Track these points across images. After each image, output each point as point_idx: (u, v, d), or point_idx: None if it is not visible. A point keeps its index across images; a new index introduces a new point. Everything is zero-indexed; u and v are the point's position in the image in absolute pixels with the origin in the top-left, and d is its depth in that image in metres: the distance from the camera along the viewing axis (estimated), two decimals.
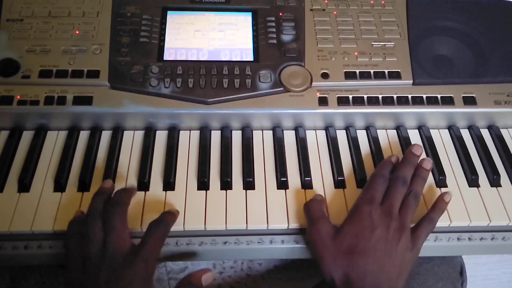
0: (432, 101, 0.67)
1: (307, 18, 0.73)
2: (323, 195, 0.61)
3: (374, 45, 0.71)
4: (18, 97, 0.63)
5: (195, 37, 0.71)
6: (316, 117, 0.67)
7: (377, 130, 0.69)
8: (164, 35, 0.70)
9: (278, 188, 0.62)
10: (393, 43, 0.71)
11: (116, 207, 0.54)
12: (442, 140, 0.69)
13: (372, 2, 0.75)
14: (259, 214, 0.59)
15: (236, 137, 0.67)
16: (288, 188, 0.62)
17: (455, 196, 0.62)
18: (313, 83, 0.67)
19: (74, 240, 0.54)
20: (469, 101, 0.68)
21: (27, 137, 0.65)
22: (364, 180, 0.61)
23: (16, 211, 0.57)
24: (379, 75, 0.68)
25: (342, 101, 0.66)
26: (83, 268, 0.51)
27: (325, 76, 0.68)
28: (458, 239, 0.59)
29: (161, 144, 0.65)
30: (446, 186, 0.63)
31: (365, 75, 0.68)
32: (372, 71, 0.68)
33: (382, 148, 0.66)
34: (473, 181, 0.63)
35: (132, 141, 0.66)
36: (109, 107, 0.64)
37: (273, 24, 0.71)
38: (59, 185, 0.60)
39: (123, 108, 0.64)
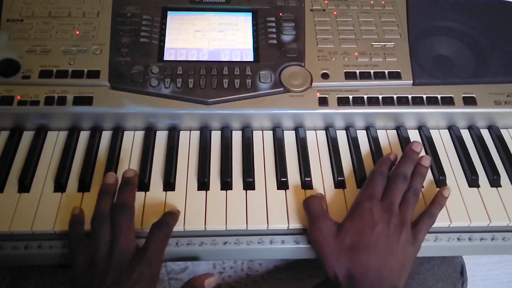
0: (432, 101, 0.67)
1: (307, 18, 0.73)
2: (324, 195, 0.61)
3: (374, 45, 0.71)
4: (18, 97, 0.63)
5: (195, 37, 0.71)
6: (316, 117, 0.67)
7: (377, 130, 0.69)
8: (164, 35, 0.70)
9: (278, 188, 0.62)
10: (393, 43, 0.71)
11: (124, 212, 0.54)
12: (442, 140, 0.69)
13: (372, 2, 0.75)
14: (259, 214, 0.59)
15: (236, 137, 0.67)
16: (288, 188, 0.62)
17: (455, 196, 0.62)
18: (313, 83, 0.67)
19: (77, 241, 0.54)
20: (469, 101, 0.68)
21: (27, 137, 0.65)
22: (364, 180, 0.61)
23: (16, 211, 0.57)
24: (379, 75, 0.68)
25: (342, 101, 0.66)
26: (88, 269, 0.51)
27: (325, 76, 0.68)
28: (458, 239, 0.59)
29: (161, 145, 0.65)
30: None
31: (365, 75, 0.68)
32: (372, 71, 0.68)
33: (382, 148, 0.66)
34: (473, 181, 0.63)
35: (132, 141, 0.66)
36: (109, 107, 0.64)
37: (273, 24, 0.71)
38: (59, 185, 0.60)
39: (124, 108, 0.64)
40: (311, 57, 0.69)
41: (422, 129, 0.69)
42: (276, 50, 0.69)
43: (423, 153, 0.65)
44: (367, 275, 0.52)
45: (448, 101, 0.67)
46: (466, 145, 0.67)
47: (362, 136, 0.68)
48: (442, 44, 0.73)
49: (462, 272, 0.76)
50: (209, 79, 0.66)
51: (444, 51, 0.72)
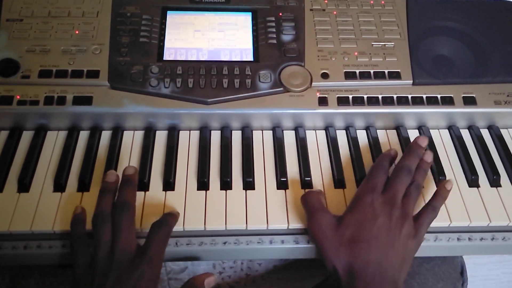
0: (432, 101, 0.67)
1: (307, 18, 0.73)
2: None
3: (374, 45, 0.71)
4: (18, 97, 0.63)
5: (195, 37, 0.71)
6: (316, 117, 0.67)
7: (377, 130, 0.69)
8: (164, 35, 0.70)
9: (278, 188, 0.62)
10: (393, 43, 0.71)
11: (125, 211, 0.53)
12: (442, 140, 0.69)
13: (372, 2, 0.75)
14: (259, 214, 0.59)
15: (236, 137, 0.67)
16: (288, 188, 0.62)
17: (455, 196, 0.62)
18: (313, 83, 0.67)
19: (79, 241, 0.54)
20: (469, 101, 0.68)
21: (27, 137, 0.65)
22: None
23: (15, 211, 0.57)
24: (379, 75, 0.68)
25: (342, 101, 0.66)
26: (89, 269, 0.51)
27: (325, 76, 0.68)
28: (458, 239, 0.59)
29: (161, 144, 0.65)
30: None
31: (365, 75, 0.68)
32: (372, 71, 0.68)
33: (382, 148, 0.66)
34: (473, 181, 0.63)
35: (132, 141, 0.66)
36: (109, 107, 0.64)
37: (273, 24, 0.71)
38: (59, 185, 0.60)
39: (123, 108, 0.64)
40: (311, 57, 0.69)
41: (422, 129, 0.69)
42: (276, 50, 0.69)
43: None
44: (367, 270, 0.51)
45: (448, 101, 0.67)
46: (466, 145, 0.67)
47: (362, 136, 0.68)
48: (442, 44, 0.73)
49: (462, 272, 0.76)
50: (208, 79, 0.66)
51: (444, 51, 0.72)
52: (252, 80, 0.66)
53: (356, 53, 0.70)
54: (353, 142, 0.67)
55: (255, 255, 0.60)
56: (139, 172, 0.61)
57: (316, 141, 0.67)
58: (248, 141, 0.66)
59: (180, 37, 0.70)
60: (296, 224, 0.58)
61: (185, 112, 0.65)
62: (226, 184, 0.61)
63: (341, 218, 0.55)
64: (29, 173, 0.61)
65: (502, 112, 0.68)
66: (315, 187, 0.62)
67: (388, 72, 0.69)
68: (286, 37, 0.70)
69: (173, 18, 0.72)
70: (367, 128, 0.69)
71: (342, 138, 0.68)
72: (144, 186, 0.61)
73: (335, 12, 0.74)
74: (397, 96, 0.67)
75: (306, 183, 0.62)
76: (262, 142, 0.66)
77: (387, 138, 0.68)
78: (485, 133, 0.70)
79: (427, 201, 0.59)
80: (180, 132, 0.67)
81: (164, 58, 0.68)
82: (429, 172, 0.63)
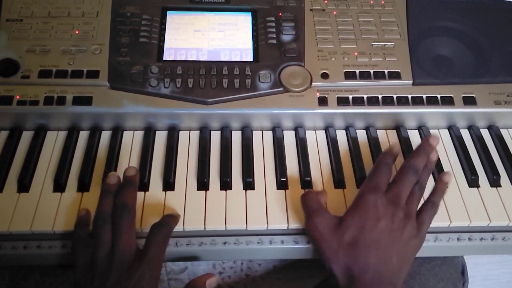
0: (432, 101, 0.67)
1: (307, 18, 0.73)
2: None
3: (374, 45, 0.71)
4: (18, 97, 0.63)
5: (195, 37, 0.71)
6: (316, 117, 0.67)
7: (377, 130, 0.68)
8: (164, 35, 0.70)
9: (277, 188, 0.62)
10: (393, 43, 0.71)
11: (125, 212, 0.53)
12: (442, 140, 0.69)
13: (372, 2, 0.75)
14: (259, 215, 0.59)
15: (236, 137, 0.67)
16: (287, 188, 0.62)
17: (455, 196, 0.62)
18: (313, 83, 0.67)
19: (80, 241, 0.54)
20: (469, 101, 0.68)
21: (26, 137, 0.65)
22: (364, 180, 0.61)
23: (15, 211, 0.57)
24: (379, 75, 0.68)
25: (342, 101, 0.66)
26: (90, 270, 0.51)
27: (325, 76, 0.68)
28: (458, 239, 0.59)
29: (161, 144, 0.65)
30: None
31: (365, 75, 0.68)
32: (372, 71, 0.68)
33: (382, 148, 0.66)
34: (473, 181, 0.63)
35: (131, 141, 0.66)
36: (109, 107, 0.64)
37: (273, 24, 0.71)
38: (59, 186, 0.60)
39: (123, 108, 0.64)
40: (310, 57, 0.69)
41: (422, 129, 0.69)
42: (275, 50, 0.69)
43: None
44: (367, 272, 0.51)
45: (448, 101, 0.67)
46: (466, 145, 0.67)
47: (362, 136, 0.68)
48: (442, 44, 0.73)
49: (463, 272, 0.76)
50: (208, 79, 0.66)
51: (444, 51, 0.72)
52: (252, 80, 0.66)
53: (356, 53, 0.70)
54: (353, 142, 0.67)
55: (255, 255, 0.60)
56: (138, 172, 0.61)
57: (316, 141, 0.67)
58: (248, 141, 0.66)
59: (180, 37, 0.70)
60: (296, 224, 0.58)
61: (185, 112, 0.65)
62: (226, 184, 0.61)
63: (341, 219, 0.54)
64: (29, 173, 0.61)
65: (502, 112, 0.68)
66: (315, 187, 0.62)
67: (388, 72, 0.69)
68: (286, 37, 0.70)
69: (173, 18, 0.72)
70: (367, 128, 0.69)
71: (342, 138, 0.68)
72: (144, 186, 0.61)
73: (335, 12, 0.74)
74: (397, 96, 0.67)
75: (306, 183, 0.62)
76: (262, 142, 0.66)
77: (387, 138, 0.68)
78: (485, 133, 0.70)
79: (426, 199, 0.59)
80: (180, 132, 0.67)
81: (164, 58, 0.68)
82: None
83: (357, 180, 0.63)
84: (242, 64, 0.68)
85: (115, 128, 0.66)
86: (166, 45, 0.69)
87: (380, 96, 0.67)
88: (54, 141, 0.65)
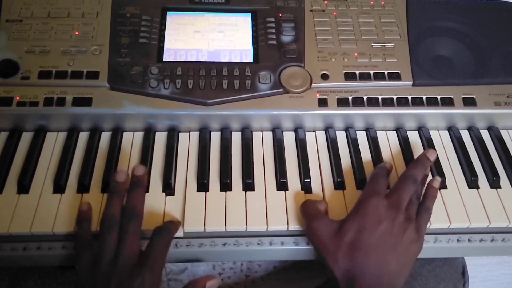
0: (432, 102, 0.67)
1: (306, 19, 0.73)
2: (323, 196, 0.61)
3: (374, 46, 0.71)
4: (18, 98, 0.63)
5: (195, 38, 0.71)
6: (315, 118, 0.67)
7: (377, 131, 0.68)
8: (163, 36, 0.70)
9: (277, 190, 0.62)
10: (393, 44, 0.71)
11: (134, 217, 0.53)
12: (442, 141, 0.69)
13: (372, 3, 0.75)
14: (259, 216, 0.59)
15: (236, 138, 0.67)
16: (287, 190, 0.62)
17: (454, 197, 0.62)
18: (312, 84, 0.67)
19: (83, 242, 0.54)
20: (469, 102, 0.68)
21: (26, 138, 0.65)
22: (364, 181, 0.61)
23: (15, 213, 0.57)
24: (379, 76, 0.68)
25: (342, 102, 0.66)
26: (93, 272, 0.51)
27: (324, 77, 0.68)
28: (457, 240, 0.59)
29: (161, 145, 0.65)
30: (446, 188, 0.63)
31: (365, 76, 0.68)
32: (372, 72, 0.68)
33: (382, 150, 0.66)
34: (472, 183, 0.63)
35: (131, 142, 0.66)
36: (109, 108, 0.64)
37: (273, 25, 0.71)
38: (59, 187, 0.60)
39: (123, 109, 0.64)
40: (310, 57, 0.69)
41: (421, 130, 0.69)
42: (275, 50, 0.69)
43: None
44: (366, 275, 0.51)
45: (448, 102, 0.67)
46: (465, 146, 0.67)
47: (361, 137, 0.68)
48: (442, 44, 0.73)
49: (464, 272, 0.76)
50: (208, 80, 0.66)
51: (444, 52, 0.72)
52: (252, 81, 0.66)
53: (356, 54, 0.70)
54: (353, 143, 0.67)
55: (255, 256, 0.60)
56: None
57: (316, 142, 0.67)
58: (248, 142, 0.66)
59: (179, 38, 0.70)
60: (295, 226, 0.58)
61: (184, 113, 0.65)
62: (226, 186, 0.61)
63: (341, 223, 0.55)
64: (28, 174, 0.61)
65: (502, 113, 0.68)
66: (315, 188, 0.62)
67: (388, 73, 0.69)
68: (286, 38, 0.70)
69: (172, 19, 0.72)
70: (367, 129, 0.69)
71: (342, 139, 0.68)
72: None
73: (335, 13, 0.74)
74: (397, 97, 0.67)
75: (305, 185, 0.62)
76: (262, 143, 0.66)
77: (387, 139, 0.68)
78: (485, 134, 0.70)
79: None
80: (180, 133, 0.67)
81: (164, 59, 0.68)
82: (429, 173, 0.63)
83: (357, 182, 0.63)
84: (242, 65, 0.68)
85: (115, 129, 0.66)
86: (166, 46, 0.69)
87: (380, 97, 0.67)
88: (54, 142, 0.65)
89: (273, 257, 0.61)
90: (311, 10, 0.74)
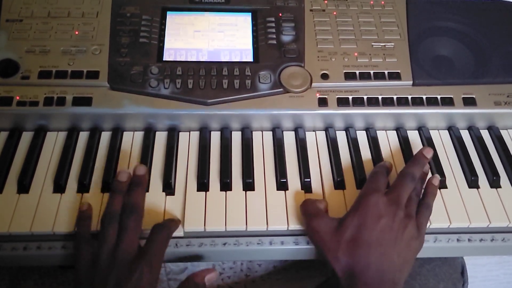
0: (432, 102, 0.67)
1: (307, 18, 0.73)
2: (323, 196, 0.62)
3: (374, 46, 0.71)
4: (18, 98, 0.63)
5: (195, 38, 0.71)
6: (316, 118, 0.67)
7: (377, 131, 0.68)
8: (163, 35, 0.70)
9: (277, 189, 0.62)
10: (393, 44, 0.71)
11: (134, 214, 0.54)
12: (442, 141, 0.69)
13: (372, 2, 0.75)
14: (259, 215, 0.59)
15: (236, 138, 0.67)
16: (287, 189, 0.62)
17: (454, 197, 0.62)
18: (313, 83, 0.67)
19: (83, 240, 0.54)
20: (469, 102, 0.68)
21: (26, 138, 0.65)
22: (364, 180, 0.61)
23: (15, 212, 0.57)
24: (379, 76, 0.68)
25: (342, 102, 0.66)
26: (91, 268, 0.52)
27: (325, 76, 0.68)
28: (457, 240, 0.59)
29: (161, 145, 0.65)
30: (446, 187, 0.63)
31: (365, 76, 0.68)
32: (372, 71, 0.68)
33: (382, 149, 0.66)
34: (472, 182, 0.63)
35: (131, 142, 0.66)
36: (109, 108, 0.64)
37: (273, 24, 0.71)
38: (59, 186, 0.60)
39: (123, 109, 0.64)
40: (310, 57, 0.69)
41: (422, 129, 0.69)
42: (275, 50, 0.69)
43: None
44: (368, 271, 0.51)
45: (448, 102, 0.67)
46: (466, 146, 0.67)
47: (362, 137, 0.68)
48: (442, 44, 0.73)
49: (463, 272, 0.76)
50: (208, 80, 0.66)
51: (444, 52, 0.72)
52: (252, 80, 0.66)
53: (356, 54, 0.70)
54: (353, 143, 0.67)
55: (255, 256, 0.60)
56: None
57: (316, 142, 0.67)
58: (248, 142, 0.66)
59: (179, 38, 0.70)
60: (296, 225, 0.58)
61: (184, 113, 0.65)
62: (226, 185, 0.61)
63: (341, 220, 0.55)
64: (28, 174, 0.61)
65: (502, 113, 0.68)
66: (315, 188, 0.62)
67: (388, 72, 0.69)
68: (286, 37, 0.70)
69: (172, 19, 0.72)
70: (367, 129, 0.69)
71: (342, 139, 0.68)
72: None
73: (335, 13, 0.74)
74: (397, 97, 0.67)
75: (306, 184, 0.62)
76: (262, 143, 0.66)
77: (387, 139, 0.68)
78: (485, 134, 0.70)
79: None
80: (180, 133, 0.67)
81: (164, 59, 0.68)
82: (429, 173, 0.63)
83: (357, 181, 0.63)
84: (242, 64, 0.68)
85: (115, 129, 0.66)
86: (166, 46, 0.69)
87: (380, 97, 0.67)
88: (54, 142, 0.65)
89: (273, 257, 0.61)
90: (311, 10, 0.74)
